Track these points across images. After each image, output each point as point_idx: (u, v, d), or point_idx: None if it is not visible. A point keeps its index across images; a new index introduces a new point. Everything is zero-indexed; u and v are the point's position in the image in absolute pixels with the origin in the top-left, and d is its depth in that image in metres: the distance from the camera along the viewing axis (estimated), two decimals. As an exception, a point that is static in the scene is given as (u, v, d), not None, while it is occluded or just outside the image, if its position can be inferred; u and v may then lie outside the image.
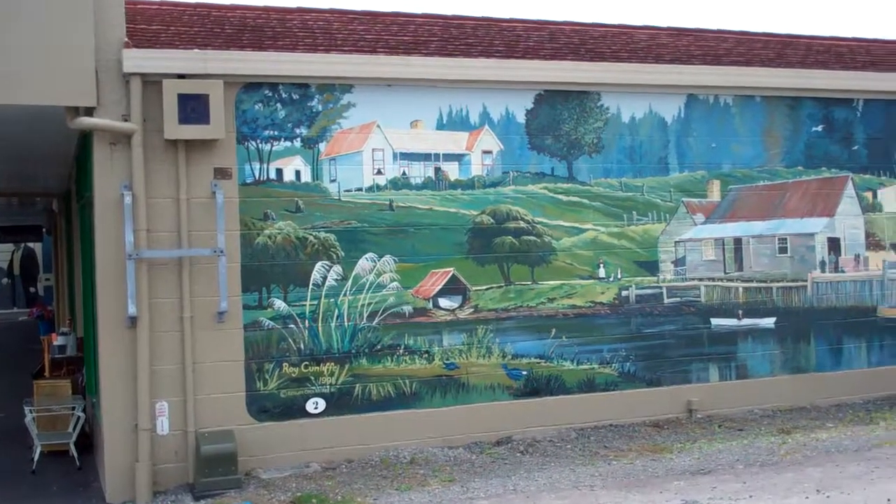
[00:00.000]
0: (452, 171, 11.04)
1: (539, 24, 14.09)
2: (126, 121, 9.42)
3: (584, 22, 14.70)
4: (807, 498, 7.68)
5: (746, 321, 12.24)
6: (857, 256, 12.91)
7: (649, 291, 11.82)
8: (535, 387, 11.16)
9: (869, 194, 13.04)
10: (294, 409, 10.21)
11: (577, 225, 11.49)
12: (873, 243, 13.02)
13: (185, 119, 9.47)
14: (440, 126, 11.02)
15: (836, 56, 14.56)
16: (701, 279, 12.10)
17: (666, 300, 11.89)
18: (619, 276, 11.67)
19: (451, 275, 10.92)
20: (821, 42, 16.00)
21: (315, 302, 10.39)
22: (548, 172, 11.42)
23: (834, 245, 12.78)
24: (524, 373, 11.12)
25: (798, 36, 16.33)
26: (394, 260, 10.70)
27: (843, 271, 12.80)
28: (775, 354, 12.37)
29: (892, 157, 13.16)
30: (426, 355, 10.76)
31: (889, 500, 7.44)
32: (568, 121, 11.50)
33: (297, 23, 12.06)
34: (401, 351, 10.68)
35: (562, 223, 11.42)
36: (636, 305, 11.72)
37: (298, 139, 10.42)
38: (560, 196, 11.44)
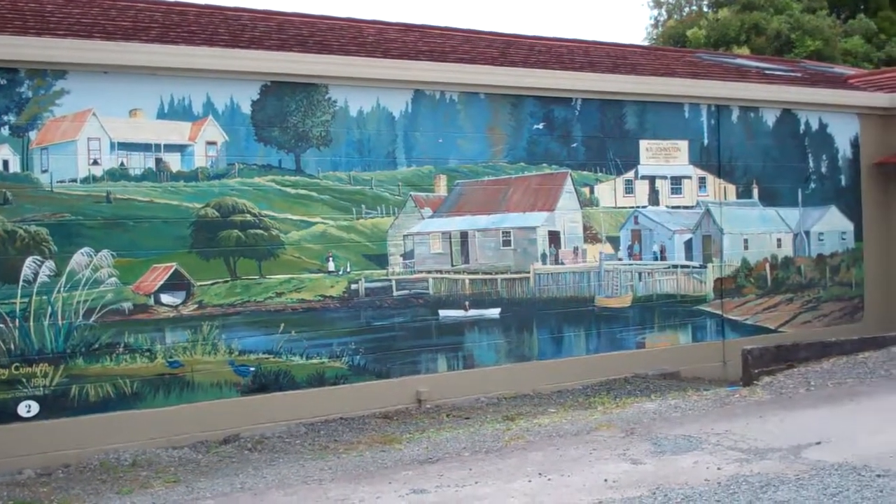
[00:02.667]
0: (174, 162, 10.64)
1: (266, 14, 13.85)
2: None
3: (312, 14, 14.61)
4: (529, 481, 7.86)
5: (473, 312, 12.50)
6: (575, 249, 13.46)
7: (379, 284, 11.85)
8: (264, 383, 10.93)
9: (587, 190, 13.61)
10: (4, 414, 9.55)
11: (305, 218, 11.34)
12: (590, 236, 13.60)
13: None
14: (161, 115, 10.58)
15: (557, 57, 15.14)
16: (429, 272, 12.25)
17: (395, 293, 11.95)
18: (348, 270, 11.61)
19: (173, 270, 10.51)
20: (543, 43, 16.62)
21: (26, 299, 9.74)
22: (275, 165, 11.22)
23: (554, 238, 13.26)
24: (252, 369, 10.87)
25: (521, 36, 16.91)
26: (112, 255, 10.18)
27: (562, 263, 13.30)
28: (500, 344, 12.71)
29: (607, 155, 13.78)
30: (148, 354, 10.32)
31: (606, 480, 7.71)
32: (295, 113, 11.34)
33: (5, 3, 11.27)
34: (120, 349, 10.19)
35: (290, 216, 11.25)
36: (366, 298, 11.72)
37: (6, 127, 9.74)
38: (288, 189, 11.26)
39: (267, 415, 10.84)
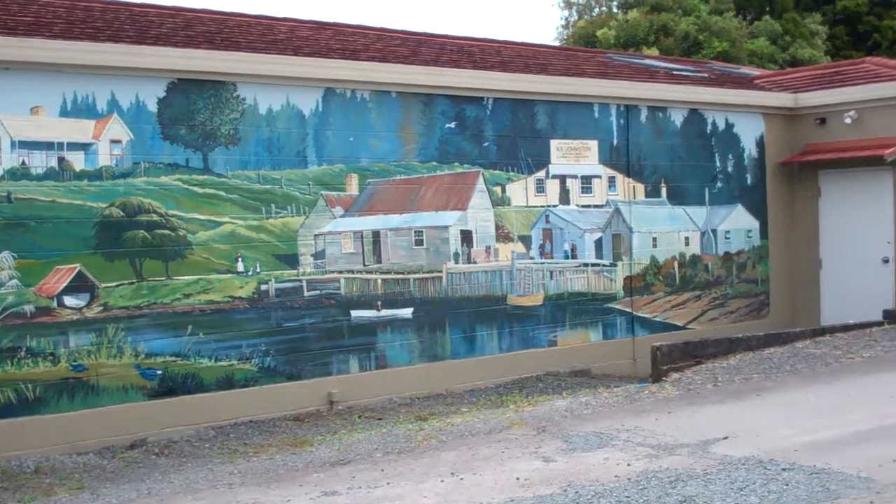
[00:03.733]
0: (78, 161, 10.37)
1: (174, 10, 13.61)
2: None
3: (221, 10, 14.39)
4: (442, 481, 7.83)
5: (385, 312, 12.44)
6: (488, 248, 13.48)
7: (289, 285, 11.72)
8: (171, 386, 10.73)
9: (498, 189, 13.65)
10: None
11: (213, 218, 11.16)
12: (503, 235, 13.64)
13: None
14: (64, 113, 10.31)
15: (469, 56, 15.15)
16: (340, 272, 12.15)
17: (306, 293, 11.84)
18: (258, 270, 11.46)
19: (77, 271, 10.25)
20: (455, 42, 16.63)
21: (-80, 303, 9.42)
22: (182, 164, 11.02)
23: (467, 237, 13.27)
24: (159, 372, 10.66)
25: (433, 35, 16.89)
26: (13, 256, 9.89)
27: (475, 262, 13.32)
28: (413, 344, 12.67)
29: (519, 154, 13.84)
30: (51, 357, 10.05)
31: (518, 478, 7.71)
32: (203, 111, 11.15)
33: None
34: (22, 353, 9.90)
35: (197, 216, 11.05)
36: (276, 299, 11.58)
37: None
38: (196, 188, 11.07)
39: (174, 418, 10.64)
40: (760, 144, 16.85)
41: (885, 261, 16.06)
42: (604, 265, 14.68)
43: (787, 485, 7.04)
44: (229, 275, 11.26)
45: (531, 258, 13.90)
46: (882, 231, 16.14)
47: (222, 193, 11.25)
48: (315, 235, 11.97)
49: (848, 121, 16.31)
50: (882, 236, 16.14)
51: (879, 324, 13.79)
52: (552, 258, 14.10)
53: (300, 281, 11.82)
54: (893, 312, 14.10)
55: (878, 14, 38.52)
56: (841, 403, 9.82)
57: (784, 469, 7.45)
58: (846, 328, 13.67)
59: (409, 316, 12.66)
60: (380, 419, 11.15)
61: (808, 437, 8.46)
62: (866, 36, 38.33)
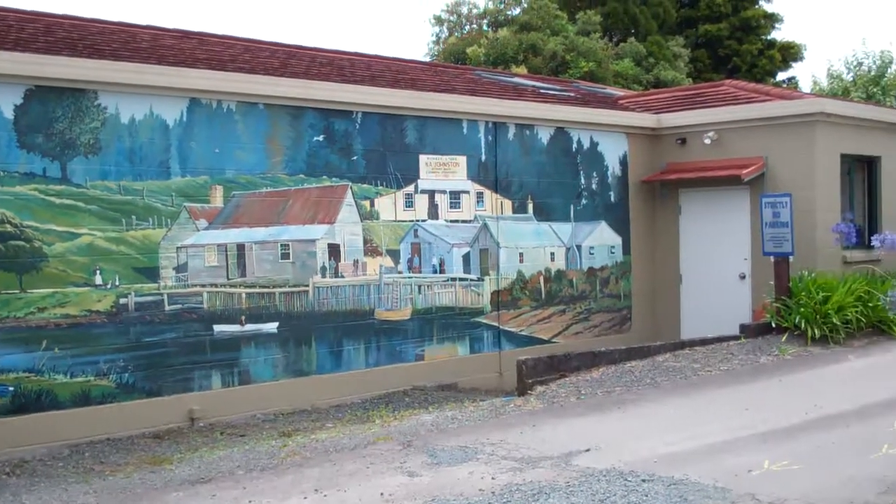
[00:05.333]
0: (-76, 168, 9.92)
1: (35, 15, 13.18)
2: None
3: (84, 17, 14.00)
4: (305, 498, 7.72)
5: (250, 327, 12.24)
6: (355, 262, 13.41)
7: (150, 299, 11.42)
8: (23, 403, 10.32)
9: (367, 203, 13.59)
10: None
11: (71, 229, 10.80)
12: (371, 249, 13.59)
13: None
14: (-89, 118, 9.85)
15: (338, 69, 15.09)
16: (203, 285, 11.91)
17: (167, 307, 11.56)
18: (117, 284, 11.14)
19: (-77, 283, 9.80)
20: (325, 55, 16.55)
21: None
22: (39, 173, 10.63)
23: (334, 251, 13.18)
24: (10, 388, 10.24)
25: (303, 47, 16.78)
26: None
27: (342, 276, 13.23)
28: (278, 359, 12.50)
29: (388, 168, 13.82)
30: None
31: (382, 493, 7.66)
32: (62, 119, 10.80)
33: None
34: None
35: (54, 227, 10.68)
36: (136, 313, 11.27)
37: None
38: (52, 198, 10.69)
39: (26, 437, 10.23)
40: (624, 163, 17.24)
41: (742, 277, 16.60)
42: (471, 280, 14.77)
43: (646, 496, 7.16)
44: (87, 288, 10.90)
45: (399, 272, 13.89)
46: (739, 248, 16.69)
47: (81, 204, 10.90)
48: (177, 248, 11.70)
49: (707, 141, 16.82)
50: (739, 253, 16.68)
51: (736, 338, 14.20)
52: (420, 272, 14.12)
53: (161, 294, 11.52)
54: (749, 327, 14.55)
55: (738, 38, 40.08)
56: (699, 415, 10.06)
57: (644, 480, 7.58)
58: (704, 342, 14.03)
59: (275, 330, 12.48)
60: (242, 436, 10.94)
61: (667, 448, 8.63)
62: (726, 59, 39.81)
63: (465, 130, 14.76)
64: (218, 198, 12.07)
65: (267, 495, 7.92)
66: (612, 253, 17.03)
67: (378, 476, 8.26)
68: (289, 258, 12.69)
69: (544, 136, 15.92)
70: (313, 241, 12.95)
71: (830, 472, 7.64)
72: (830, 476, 7.51)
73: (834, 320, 13.82)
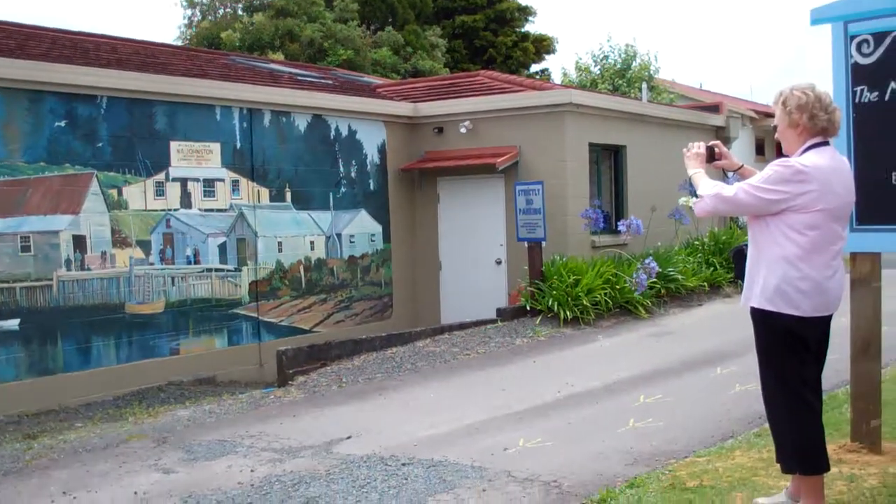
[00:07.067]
0: None
1: None
2: None
3: None
4: (52, 501, 7.32)
5: (-12, 324, 11.47)
6: (103, 254, 12.80)
7: None
8: None
9: (114, 192, 12.98)
10: None
11: None
12: (120, 240, 13.00)
13: None
14: None
15: (83, 52, 14.39)
16: (-67, 281, 11.05)
17: None
18: None
19: None
20: (68, 37, 15.76)
21: None
22: None
23: (80, 243, 12.51)
24: None
25: (44, 28, 15.92)
26: None
27: (89, 269, 12.60)
28: (21, 358, 11.76)
29: (137, 156, 13.25)
30: None
31: (136, 492, 7.37)
32: None
33: None
34: None
35: None
36: None
37: None
38: None
39: None
40: (382, 151, 17.29)
41: (498, 262, 17.01)
42: (228, 270, 14.41)
43: (406, 479, 7.19)
44: None
45: (151, 264, 13.36)
46: (496, 235, 17.09)
47: None
48: None
49: (463, 130, 17.10)
50: (495, 239, 17.08)
51: (493, 321, 14.55)
52: (174, 264, 13.64)
53: None
54: (505, 310, 14.94)
55: (493, 30, 41.12)
56: (458, 398, 10.22)
57: (404, 464, 7.61)
58: (463, 326, 14.30)
59: (16, 328, 11.73)
60: (-18, 441, 10.24)
61: (427, 431, 8.72)
62: (483, 50, 40.77)
63: (218, 117, 14.37)
64: (-51, 187, 11.22)
65: (11, 501, 7.45)
66: (373, 241, 17.06)
67: (131, 475, 7.96)
68: (30, 251, 11.94)
69: (301, 123, 15.73)
70: (56, 232, 12.24)
71: (581, 446, 7.91)
72: (582, 450, 7.77)
73: (584, 302, 14.39)
